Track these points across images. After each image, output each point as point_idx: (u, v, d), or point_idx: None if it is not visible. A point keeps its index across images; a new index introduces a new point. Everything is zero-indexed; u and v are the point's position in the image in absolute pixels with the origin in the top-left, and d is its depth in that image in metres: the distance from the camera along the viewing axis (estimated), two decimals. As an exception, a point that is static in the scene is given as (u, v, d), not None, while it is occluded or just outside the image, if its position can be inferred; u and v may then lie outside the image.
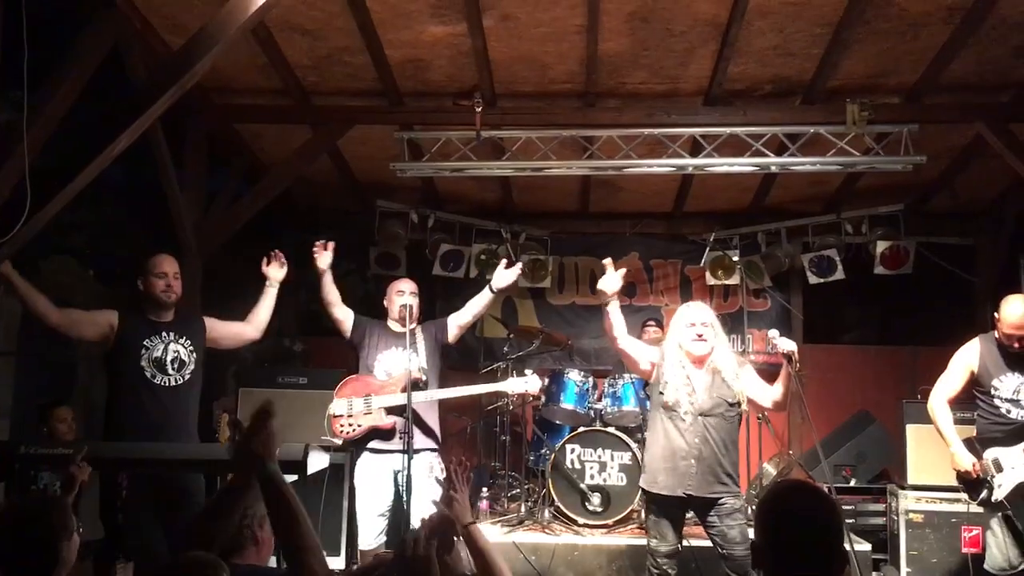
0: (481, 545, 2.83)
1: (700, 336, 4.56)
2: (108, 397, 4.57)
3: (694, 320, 4.61)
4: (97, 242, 7.26)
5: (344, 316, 5.45)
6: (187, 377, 4.57)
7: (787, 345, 4.40)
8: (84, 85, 4.65)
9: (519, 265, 5.47)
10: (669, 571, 4.54)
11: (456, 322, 5.46)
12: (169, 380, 4.50)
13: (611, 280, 4.60)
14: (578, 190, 8.20)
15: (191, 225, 6.22)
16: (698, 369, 4.58)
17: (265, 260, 5.10)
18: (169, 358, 4.52)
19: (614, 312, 4.64)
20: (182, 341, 4.59)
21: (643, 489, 4.73)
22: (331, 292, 5.42)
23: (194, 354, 4.62)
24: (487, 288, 5.38)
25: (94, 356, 4.85)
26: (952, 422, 4.94)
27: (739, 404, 4.57)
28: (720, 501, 4.45)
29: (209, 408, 7.10)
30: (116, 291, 4.81)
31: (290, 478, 4.06)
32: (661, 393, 4.60)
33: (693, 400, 4.51)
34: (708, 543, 4.65)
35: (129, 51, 5.10)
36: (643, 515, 5.35)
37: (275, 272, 5.07)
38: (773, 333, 4.53)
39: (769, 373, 4.82)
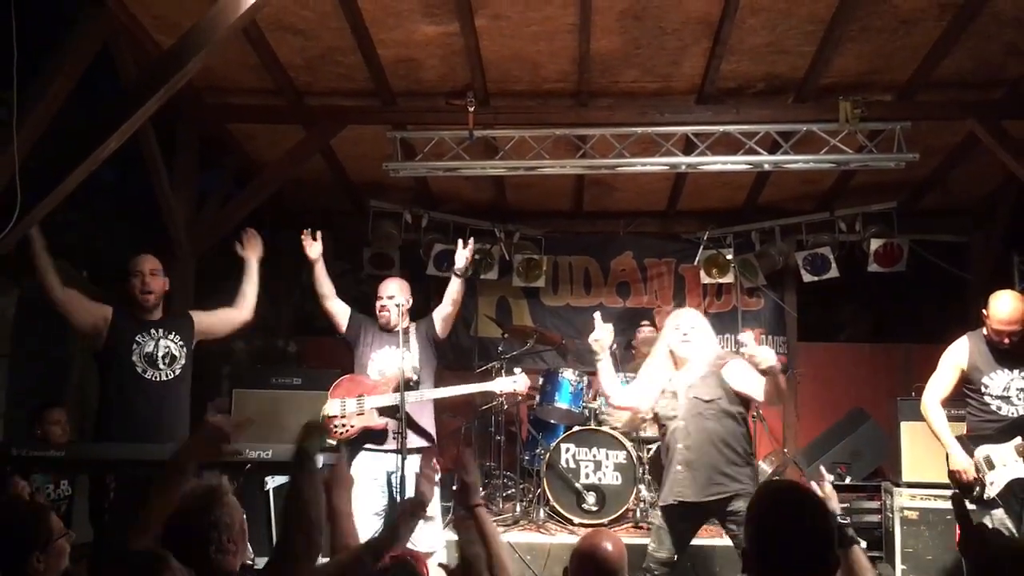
0: (487, 529, 2.87)
1: (685, 336, 4.60)
2: (99, 394, 4.59)
3: (679, 324, 4.66)
4: (89, 243, 7.23)
5: (339, 310, 5.46)
6: (177, 372, 4.60)
7: (767, 360, 4.13)
8: (74, 85, 4.63)
9: (471, 241, 5.56)
10: None
11: (439, 315, 5.48)
12: (160, 375, 4.54)
13: (602, 332, 4.63)
14: (572, 189, 8.19)
15: (183, 225, 6.21)
16: (683, 373, 4.60)
17: (238, 244, 5.07)
18: (160, 353, 4.55)
19: (605, 369, 4.71)
20: (171, 337, 4.62)
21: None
22: (324, 284, 5.44)
23: (183, 349, 4.65)
24: (452, 275, 5.48)
25: (87, 355, 4.85)
26: (947, 423, 4.94)
27: (723, 401, 4.47)
28: (731, 505, 4.39)
29: (203, 409, 7.09)
30: (109, 292, 4.81)
31: (282, 479, 4.11)
32: (656, 404, 4.66)
33: (675, 405, 4.54)
34: (705, 542, 4.62)
35: (119, 51, 5.09)
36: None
37: (252, 252, 5.04)
38: (746, 338, 4.28)
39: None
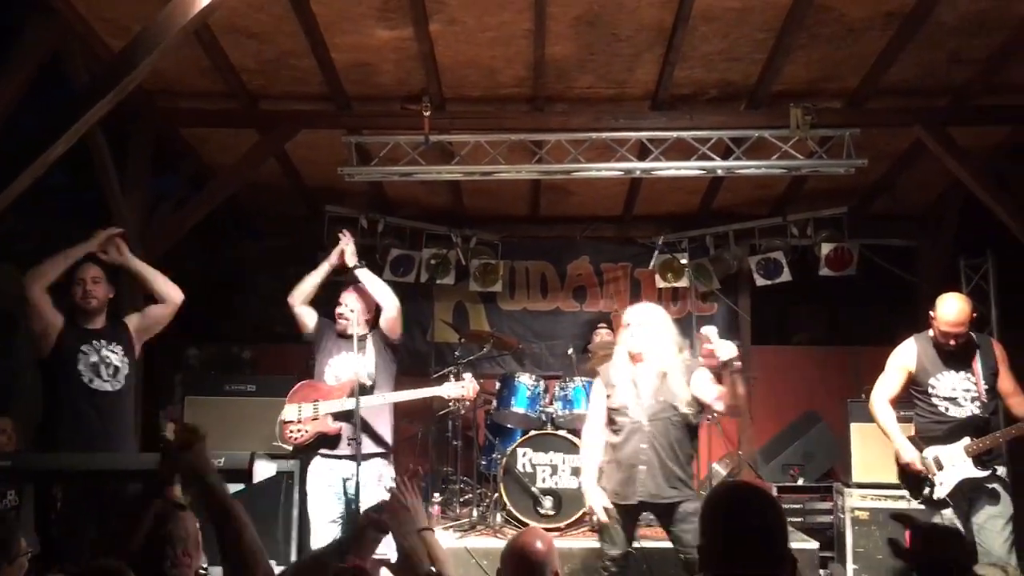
0: (435, 552, 2.85)
1: (631, 335, 4.61)
2: (45, 404, 4.53)
3: (628, 320, 4.67)
4: (41, 250, 7.09)
5: (308, 313, 5.46)
6: (122, 383, 4.58)
7: (726, 353, 4.20)
8: (23, 90, 4.57)
9: (346, 233, 5.62)
10: (618, 573, 4.56)
11: (381, 318, 5.43)
12: (105, 386, 4.50)
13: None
14: (528, 194, 8.21)
15: (136, 231, 6.11)
16: (641, 370, 4.57)
17: (101, 255, 4.76)
18: (104, 364, 4.51)
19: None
20: (113, 347, 4.60)
21: None
22: (316, 287, 5.47)
23: (126, 359, 4.62)
24: (353, 268, 5.46)
25: (35, 364, 4.78)
26: (895, 419, 5.01)
27: (688, 408, 4.48)
28: (677, 505, 4.44)
29: (156, 416, 7.01)
30: (60, 300, 4.74)
31: (237, 486, 4.06)
32: (609, 397, 4.61)
33: (639, 403, 4.50)
34: (660, 544, 4.63)
35: (71, 56, 5.03)
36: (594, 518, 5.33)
37: (119, 255, 4.80)
38: (709, 330, 4.26)
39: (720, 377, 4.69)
